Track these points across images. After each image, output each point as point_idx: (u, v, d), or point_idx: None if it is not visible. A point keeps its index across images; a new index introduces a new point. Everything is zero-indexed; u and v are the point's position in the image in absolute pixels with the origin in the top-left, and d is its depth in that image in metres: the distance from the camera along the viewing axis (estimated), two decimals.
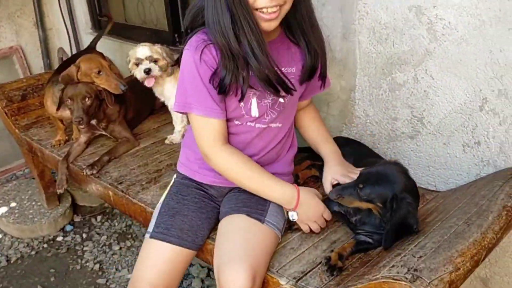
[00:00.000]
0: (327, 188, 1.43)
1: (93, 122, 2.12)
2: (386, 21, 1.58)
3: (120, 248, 2.45)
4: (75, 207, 2.76)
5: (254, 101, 1.37)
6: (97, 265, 2.33)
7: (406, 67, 1.58)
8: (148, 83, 1.96)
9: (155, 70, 1.92)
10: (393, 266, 1.07)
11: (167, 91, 2.02)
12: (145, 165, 1.96)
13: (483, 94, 1.43)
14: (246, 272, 1.22)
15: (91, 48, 2.57)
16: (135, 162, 2.00)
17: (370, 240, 1.37)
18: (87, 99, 2.00)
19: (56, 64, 3.35)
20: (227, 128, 1.39)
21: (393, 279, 1.01)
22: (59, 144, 2.22)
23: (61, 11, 3.05)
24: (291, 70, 1.40)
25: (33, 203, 2.72)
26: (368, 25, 1.63)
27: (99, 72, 2.03)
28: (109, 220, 2.69)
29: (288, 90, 1.34)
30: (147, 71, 1.91)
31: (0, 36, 3.11)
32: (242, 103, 1.36)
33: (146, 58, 1.92)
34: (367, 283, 1.06)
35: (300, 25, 1.34)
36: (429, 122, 1.58)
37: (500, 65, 1.37)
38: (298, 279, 1.27)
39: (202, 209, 1.48)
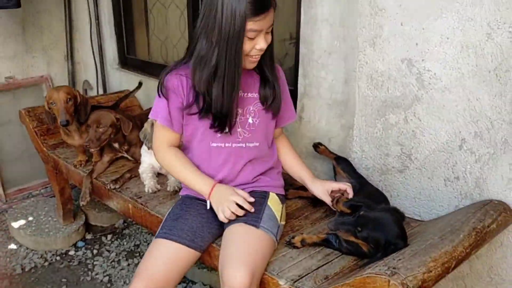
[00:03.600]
0: (327, 199, 1.71)
1: (116, 145, 2.37)
2: (382, 70, 1.84)
3: (128, 265, 2.63)
4: (87, 226, 2.95)
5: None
6: (106, 278, 2.50)
7: (397, 110, 1.83)
8: None
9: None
10: (376, 266, 1.27)
11: None
12: (162, 184, 2.18)
13: (462, 135, 1.67)
14: (245, 269, 1.41)
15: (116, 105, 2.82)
16: None
17: (335, 244, 1.60)
18: (101, 127, 2.25)
19: None
20: (209, 151, 1.68)
21: (375, 274, 1.21)
22: (80, 164, 2.44)
23: (92, 47, 3.36)
24: (253, 95, 1.66)
25: (49, 218, 2.91)
26: (366, 72, 1.89)
27: (52, 103, 2.34)
28: (118, 239, 2.87)
29: (230, 129, 1.61)
30: None
31: (34, 65, 3.40)
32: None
33: None
34: (353, 279, 1.26)
35: (263, 61, 1.60)
36: (416, 158, 1.82)
37: (476, 111, 1.62)
38: (295, 281, 1.47)
39: (203, 215, 1.68)
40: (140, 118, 2.48)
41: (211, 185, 1.64)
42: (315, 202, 1.98)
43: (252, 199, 1.62)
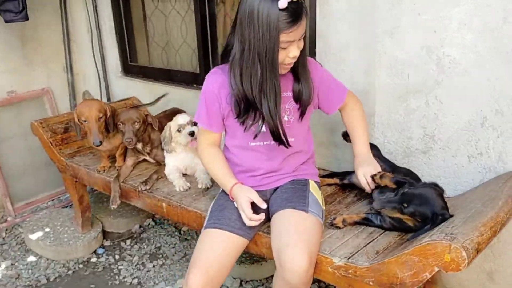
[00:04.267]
0: (364, 183, 1.77)
1: (139, 146, 2.42)
2: (401, 58, 1.96)
3: (154, 266, 2.66)
4: (103, 233, 2.96)
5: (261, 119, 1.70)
6: (135, 280, 2.54)
7: (419, 95, 1.95)
8: (192, 144, 2.18)
9: (197, 130, 2.12)
10: (432, 235, 1.38)
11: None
12: (191, 182, 2.24)
13: (483, 113, 1.80)
14: (304, 252, 1.50)
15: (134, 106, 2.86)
16: None
17: (376, 221, 1.70)
18: (136, 123, 2.31)
19: None
20: (248, 149, 1.77)
21: (435, 240, 1.31)
22: (104, 170, 2.48)
23: (93, 56, 3.38)
24: (287, 94, 1.72)
25: (66, 228, 2.92)
26: (386, 62, 2.01)
27: (84, 121, 2.36)
28: (138, 243, 2.90)
29: (282, 141, 1.67)
30: (192, 133, 2.16)
31: (34, 78, 3.39)
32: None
33: (188, 123, 2.18)
34: (412, 248, 1.36)
35: (296, 62, 1.64)
36: (439, 139, 1.94)
37: (496, 90, 1.75)
38: (349, 258, 1.56)
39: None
40: (160, 120, 2.53)
41: (230, 186, 1.72)
42: (344, 187, 2.08)
43: (264, 206, 1.65)
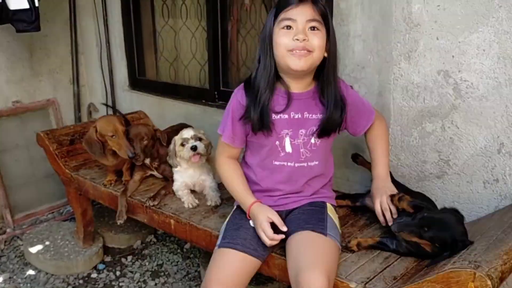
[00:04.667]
0: (379, 213, 1.75)
1: (147, 161, 2.39)
2: (417, 81, 1.95)
3: (155, 284, 2.61)
4: (104, 248, 2.91)
5: (287, 139, 1.71)
6: None
7: (434, 119, 1.94)
8: (195, 159, 2.15)
9: (201, 147, 2.13)
10: (454, 262, 1.35)
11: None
12: (200, 199, 2.20)
13: (500, 140, 1.79)
14: (323, 275, 1.46)
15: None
16: None
17: (391, 246, 1.68)
18: (144, 139, 2.28)
19: (85, 118, 3.62)
20: (271, 168, 1.74)
21: (458, 268, 1.28)
22: (110, 184, 2.44)
23: (101, 69, 3.37)
24: (317, 116, 1.70)
25: (67, 242, 2.87)
26: (402, 84, 2.00)
27: (112, 136, 2.30)
28: (139, 260, 2.85)
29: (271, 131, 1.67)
30: (194, 148, 2.12)
31: (40, 89, 3.37)
32: (277, 142, 1.70)
33: (192, 137, 2.15)
34: (435, 276, 1.32)
35: (324, 82, 1.67)
36: (455, 164, 1.92)
37: None
38: (366, 283, 1.52)
39: None
40: (167, 134, 2.50)
41: (247, 205, 1.70)
42: (355, 209, 2.06)
43: (285, 229, 1.63)
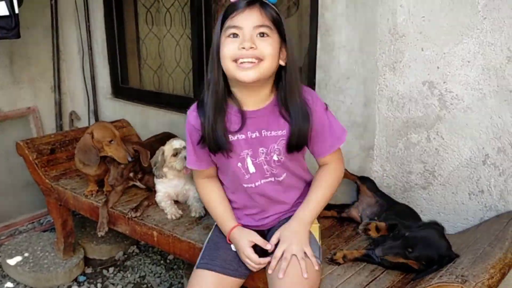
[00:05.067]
0: (277, 257, 1.50)
1: (130, 174, 2.34)
2: (402, 92, 1.95)
3: None
4: (85, 260, 2.84)
5: (249, 160, 1.55)
6: None
7: (420, 130, 1.93)
8: (187, 170, 2.11)
9: None
10: (441, 276, 1.33)
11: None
12: (183, 210, 2.16)
13: (485, 151, 1.79)
14: None
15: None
16: None
17: (376, 259, 1.66)
18: (121, 164, 2.24)
19: (67, 126, 3.55)
20: (241, 190, 1.62)
21: (445, 282, 1.27)
22: (92, 194, 2.39)
23: (83, 76, 3.32)
24: (277, 133, 1.52)
25: (46, 253, 2.79)
26: (387, 95, 2.00)
27: (110, 141, 2.24)
28: (121, 272, 2.79)
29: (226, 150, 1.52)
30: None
31: (20, 96, 3.30)
32: (239, 163, 1.56)
33: (184, 147, 2.10)
34: None
35: (285, 94, 1.48)
36: (440, 175, 1.92)
37: (499, 128, 1.75)
38: None
39: None
40: (151, 145, 2.46)
41: (229, 228, 1.61)
42: (341, 220, 2.04)
43: (269, 247, 1.53)
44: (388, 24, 1.92)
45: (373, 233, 1.71)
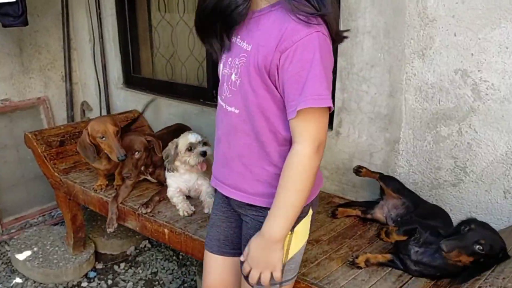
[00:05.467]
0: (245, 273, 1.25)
1: (142, 168, 2.23)
2: (432, 81, 1.80)
3: None
4: (96, 255, 2.76)
5: (221, 66, 1.29)
6: None
7: (450, 122, 1.79)
8: (202, 167, 2.01)
9: (210, 152, 1.96)
10: (479, 287, 1.20)
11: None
12: (196, 206, 2.05)
13: None
14: None
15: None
16: None
17: (401, 266, 1.54)
18: (136, 153, 2.13)
19: (78, 117, 3.46)
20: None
21: None
22: (101, 189, 2.29)
23: (95, 66, 3.22)
24: (245, 45, 1.19)
25: (56, 248, 2.72)
26: (415, 84, 1.85)
27: (102, 137, 2.11)
28: (132, 268, 2.70)
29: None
30: (203, 154, 1.96)
31: (30, 86, 3.22)
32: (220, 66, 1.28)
33: (199, 142, 1.99)
34: None
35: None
36: (472, 171, 1.77)
37: None
38: None
39: (230, 218, 1.42)
40: (162, 137, 2.35)
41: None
42: (364, 220, 1.91)
43: (242, 259, 1.27)
44: (418, 7, 1.77)
45: (385, 238, 1.62)
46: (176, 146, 2.04)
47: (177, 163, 2.05)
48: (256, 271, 1.21)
